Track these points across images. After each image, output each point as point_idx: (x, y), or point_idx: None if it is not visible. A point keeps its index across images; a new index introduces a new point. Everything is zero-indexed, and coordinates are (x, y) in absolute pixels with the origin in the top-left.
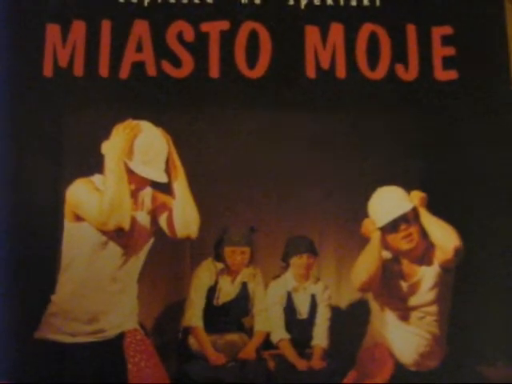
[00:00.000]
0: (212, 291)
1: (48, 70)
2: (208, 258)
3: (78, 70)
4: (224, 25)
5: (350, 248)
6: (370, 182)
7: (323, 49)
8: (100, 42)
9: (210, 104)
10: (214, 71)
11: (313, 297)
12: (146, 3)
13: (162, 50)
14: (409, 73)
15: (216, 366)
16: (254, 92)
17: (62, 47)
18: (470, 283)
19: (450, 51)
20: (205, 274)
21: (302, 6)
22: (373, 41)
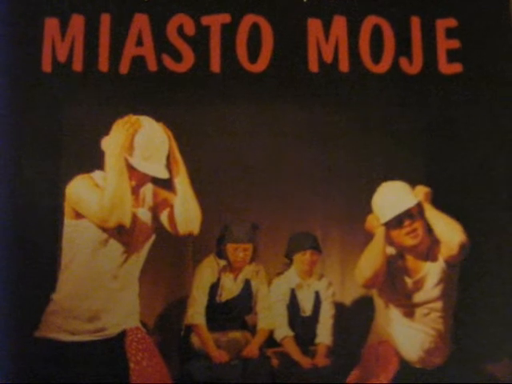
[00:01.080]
0: (214, 288)
1: (47, 65)
2: (210, 255)
3: (78, 64)
4: (225, 18)
5: (354, 244)
6: (374, 176)
7: (326, 42)
8: (99, 36)
9: (211, 99)
10: (215, 65)
11: (316, 294)
12: None
13: (162, 44)
14: (413, 66)
15: (219, 364)
16: (256, 86)
17: (61, 42)
18: (476, 279)
19: (455, 44)
20: (207, 271)
21: None
22: (376, 34)
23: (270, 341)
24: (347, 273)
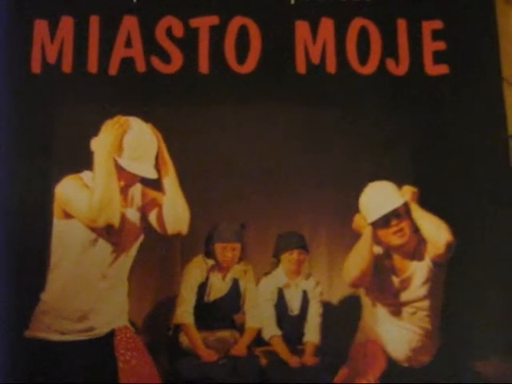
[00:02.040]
0: (203, 288)
1: (36, 67)
2: (199, 255)
3: (67, 66)
4: (213, 20)
5: (342, 243)
6: (361, 177)
7: (313, 44)
8: (88, 37)
9: (199, 99)
10: (204, 67)
11: (304, 293)
12: None
13: (151, 46)
14: (399, 67)
15: (207, 362)
16: (244, 87)
17: (50, 43)
18: (462, 278)
19: (441, 46)
20: (195, 271)
21: (292, 1)
22: (363, 35)
23: (259, 340)
24: (335, 272)
